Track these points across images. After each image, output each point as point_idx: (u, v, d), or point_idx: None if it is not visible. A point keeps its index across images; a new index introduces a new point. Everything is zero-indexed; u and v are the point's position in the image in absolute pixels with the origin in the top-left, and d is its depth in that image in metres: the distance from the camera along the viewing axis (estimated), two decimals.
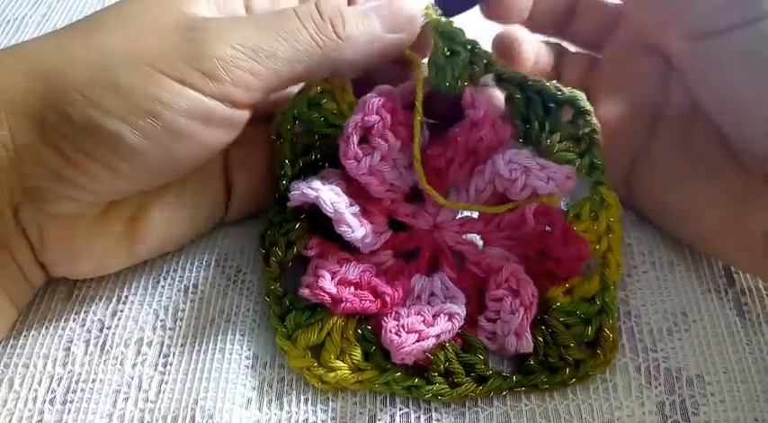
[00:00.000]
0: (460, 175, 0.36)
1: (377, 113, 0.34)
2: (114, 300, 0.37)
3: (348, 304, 0.33)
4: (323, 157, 0.37)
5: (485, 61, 0.36)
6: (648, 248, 0.38)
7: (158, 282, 0.37)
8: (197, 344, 0.35)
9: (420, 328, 0.32)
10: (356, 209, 0.34)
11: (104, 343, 0.35)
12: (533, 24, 0.40)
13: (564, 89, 0.36)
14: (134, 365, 0.34)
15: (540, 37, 0.41)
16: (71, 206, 0.32)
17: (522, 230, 0.36)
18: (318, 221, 0.35)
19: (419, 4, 0.36)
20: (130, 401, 0.33)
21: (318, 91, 0.36)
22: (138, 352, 0.35)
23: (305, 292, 0.34)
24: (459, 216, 0.37)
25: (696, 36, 0.34)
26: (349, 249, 0.35)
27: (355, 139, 0.34)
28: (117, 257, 0.36)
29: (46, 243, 0.33)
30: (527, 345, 0.33)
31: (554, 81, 0.36)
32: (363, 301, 0.33)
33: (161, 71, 0.30)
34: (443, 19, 0.36)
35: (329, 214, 0.33)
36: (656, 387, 0.33)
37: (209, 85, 0.31)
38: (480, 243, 0.38)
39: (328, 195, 0.33)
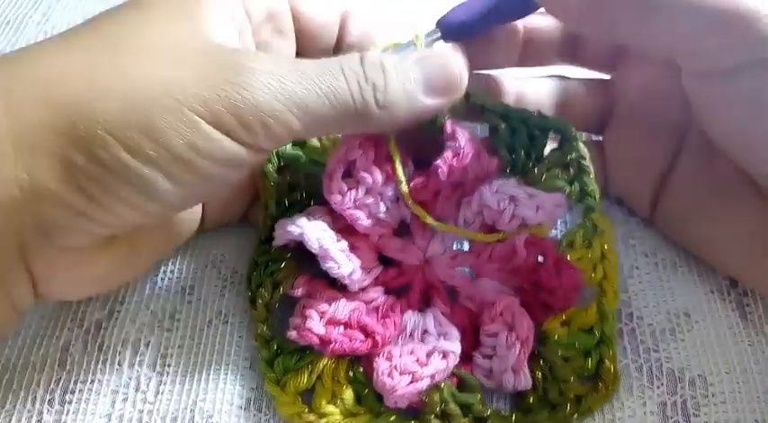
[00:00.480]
0: (448, 208, 0.35)
1: (359, 147, 0.33)
2: (112, 300, 0.37)
3: (338, 345, 0.32)
4: (308, 194, 0.36)
5: (468, 91, 0.34)
6: (651, 249, 0.38)
7: (156, 283, 0.37)
8: (195, 345, 0.35)
9: (413, 368, 0.31)
10: (344, 244, 0.34)
11: (102, 343, 0.35)
12: (536, 55, 0.39)
13: (548, 117, 0.35)
14: (132, 366, 0.34)
15: (537, 71, 0.40)
16: (86, 239, 0.30)
17: (514, 262, 0.34)
18: (306, 259, 0.34)
19: (462, 61, 0.34)
20: (129, 402, 0.33)
21: None
22: (136, 352, 0.35)
23: (293, 334, 0.32)
24: (450, 248, 0.36)
25: (704, 75, 0.32)
26: (338, 287, 0.34)
27: (338, 174, 0.33)
28: (117, 279, 0.35)
29: (51, 275, 0.31)
30: (525, 381, 0.32)
31: (537, 109, 0.35)
32: (353, 342, 0.32)
33: (199, 115, 0.28)
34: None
35: (314, 250, 0.32)
36: (657, 387, 0.33)
37: (245, 135, 0.29)
38: (472, 276, 0.36)
39: (313, 231, 0.33)
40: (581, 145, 0.35)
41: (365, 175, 0.33)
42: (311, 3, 0.36)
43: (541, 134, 0.35)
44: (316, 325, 0.32)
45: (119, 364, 0.34)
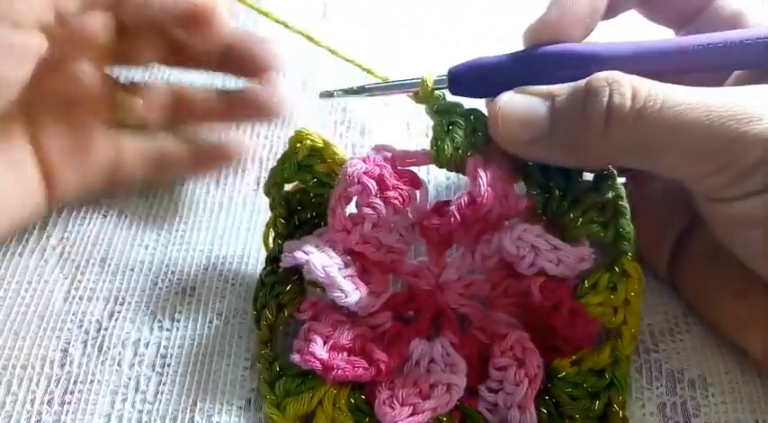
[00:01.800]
0: (466, 239, 0.34)
1: (359, 183, 0.32)
2: (112, 300, 0.37)
3: (340, 372, 0.31)
4: (318, 214, 0.36)
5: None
6: None
7: (156, 283, 0.37)
8: (195, 345, 0.35)
9: (415, 400, 0.31)
10: (351, 270, 0.33)
11: (102, 344, 0.35)
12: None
13: None
14: (132, 366, 0.34)
15: None
16: None
17: (529, 300, 0.33)
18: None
19: None
20: (128, 402, 0.33)
21: (306, 154, 0.34)
22: (136, 353, 0.35)
23: (295, 357, 0.32)
24: (465, 276, 0.35)
25: (709, 200, 0.30)
26: (345, 310, 0.33)
27: (341, 210, 0.32)
28: None
29: None
30: (531, 420, 0.31)
31: None
32: (356, 369, 0.31)
33: None
34: (437, 93, 0.33)
35: (320, 279, 0.32)
36: (657, 388, 0.33)
37: None
38: (485, 306, 0.35)
39: (319, 259, 0.32)
40: (619, 184, 0.33)
41: (368, 210, 0.32)
42: None
43: (577, 172, 0.33)
44: (319, 350, 0.31)
45: (118, 365, 0.34)
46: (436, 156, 0.32)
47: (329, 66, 0.44)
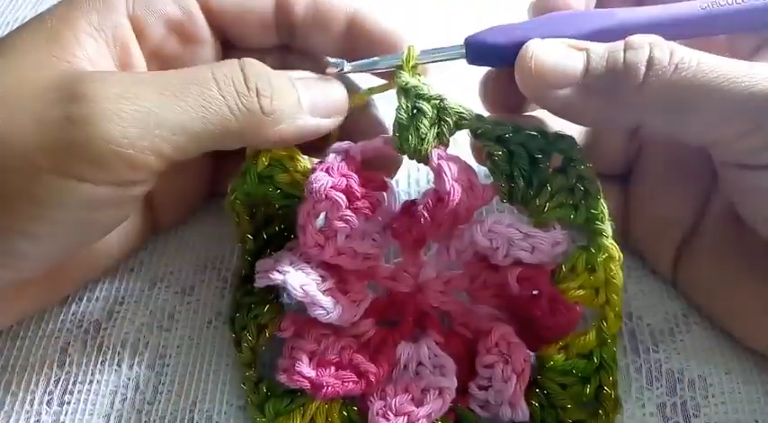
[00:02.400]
0: (439, 235, 0.33)
1: (327, 198, 0.30)
2: (111, 301, 0.37)
3: (330, 389, 0.31)
4: (287, 226, 0.34)
5: (456, 116, 0.31)
6: None
7: (155, 284, 0.37)
8: (194, 345, 0.35)
9: (409, 408, 0.31)
10: (329, 284, 0.32)
11: (101, 344, 0.35)
12: None
13: (549, 134, 0.31)
14: (131, 366, 0.34)
15: None
16: None
17: (508, 290, 0.33)
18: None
19: (344, 92, 0.33)
20: (128, 402, 0.33)
21: (266, 164, 0.32)
22: (135, 353, 0.35)
23: (282, 377, 0.31)
24: (443, 272, 0.34)
25: (738, 166, 0.30)
26: (325, 323, 0.32)
27: (311, 227, 0.31)
28: (44, 301, 0.34)
29: None
30: (522, 415, 0.31)
31: (539, 128, 0.32)
32: (346, 384, 0.31)
33: (42, 168, 0.25)
34: (406, 74, 0.32)
35: (300, 299, 0.31)
36: (657, 388, 0.33)
37: (99, 174, 0.26)
38: (466, 300, 0.35)
39: (297, 279, 0.31)
40: (586, 166, 0.31)
41: (340, 223, 0.31)
42: None
43: (544, 156, 0.31)
44: (305, 368, 0.31)
45: (118, 365, 0.34)
46: (399, 145, 0.32)
47: None
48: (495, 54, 0.32)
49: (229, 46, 0.35)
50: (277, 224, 0.34)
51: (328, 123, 0.32)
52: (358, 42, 0.34)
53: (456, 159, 0.31)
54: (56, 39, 0.28)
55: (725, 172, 0.31)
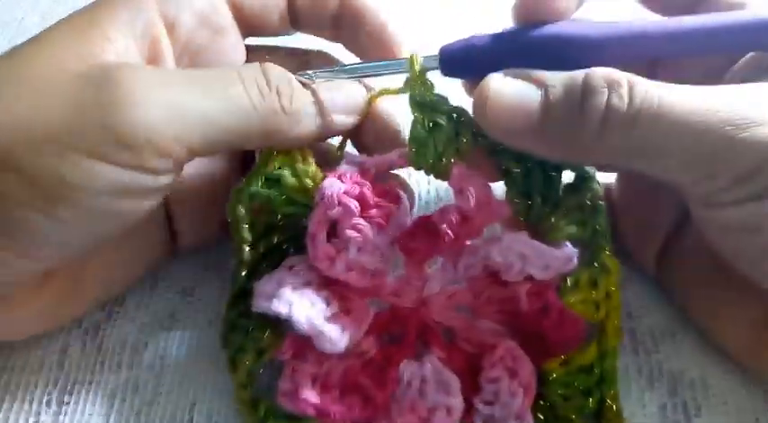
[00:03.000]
0: (448, 251, 0.33)
1: (339, 204, 0.30)
2: (111, 301, 0.36)
3: (338, 416, 0.30)
4: (287, 239, 0.33)
5: (473, 131, 0.31)
6: None
7: (156, 284, 0.37)
8: (195, 346, 0.35)
9: None
10: (333, 308, 0.31)
11: (101, 344, 0.35)
12: None
13: None
14: (131, 367, 0.34)
15: None
16: None
17: (515, 306, 0.32)
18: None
19: (363, 91, 0.33)
20: (127, 403, 0.33)
21: (276, 166, 0.31)
22: (135, 353, 0.35)
23: (284, 401, 0.30)
24: (446, 287, 0.34)
25: (703, 205, 0.30)
26: None
27: (322, 236, 0.30)
28: (62, 316, 0.34)
29: None
30: None
31: None
32: (352, 411, 0.30)
33: (71, 147, 0.26)
34: (422, 85, 0.32)
35: (306, 332, 0.29)
36: (657, 389, 0.33)
37: (127, 158, 0.26)
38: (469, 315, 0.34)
39: (302, 310, 0.29)
40: (597, 184, 0.32)
41: (352, 232, 0.30)
42: None
43: (557, 174, 0.32)
44: (310, 393, 0.30)
45: (117, 366, 0.34)
46: (415, 159, 0.31)
47: None
48: (467, 71, 0.32)
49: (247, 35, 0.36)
50: (276, 236, 0.33)
51: (347, 122, 0.32)
52: (346, 20, 0.35)
53: (475, 176, 0.31)
54: (86, 36, 0.29)
55: (692, 206, 0.31)
